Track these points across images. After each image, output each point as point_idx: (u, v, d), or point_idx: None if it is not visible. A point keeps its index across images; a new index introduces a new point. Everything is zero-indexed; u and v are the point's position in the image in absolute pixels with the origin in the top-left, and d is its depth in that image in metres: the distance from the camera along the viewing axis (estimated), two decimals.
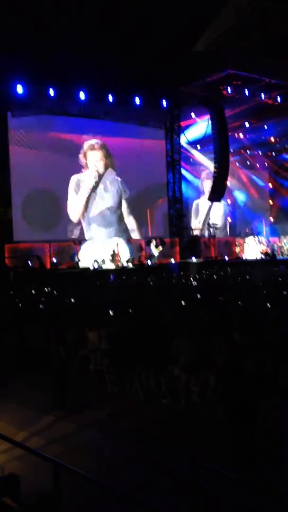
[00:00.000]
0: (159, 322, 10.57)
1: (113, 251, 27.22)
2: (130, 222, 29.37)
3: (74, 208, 27.69)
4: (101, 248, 27.20)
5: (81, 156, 27.86)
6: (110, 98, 26.27)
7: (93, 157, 28.20)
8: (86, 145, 27.97)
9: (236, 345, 7.47)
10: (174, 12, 22.27)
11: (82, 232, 27.83)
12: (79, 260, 26.16)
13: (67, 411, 8.80)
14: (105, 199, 28.63)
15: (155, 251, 28.36)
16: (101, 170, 28.43)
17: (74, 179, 27.74)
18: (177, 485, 5.93)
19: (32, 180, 26.06)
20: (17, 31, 20.79)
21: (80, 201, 27.86)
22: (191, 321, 10.44)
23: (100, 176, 28.42)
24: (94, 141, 28.21)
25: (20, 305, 14.61)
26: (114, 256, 27.04)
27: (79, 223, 27.86)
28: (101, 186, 28.50)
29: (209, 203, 32.34)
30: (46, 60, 22.15)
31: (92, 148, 28.12)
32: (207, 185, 33.68)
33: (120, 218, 29.07)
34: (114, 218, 28.82)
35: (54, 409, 8.92)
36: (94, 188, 28.22)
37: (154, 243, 28.44)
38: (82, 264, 25.87)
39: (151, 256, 28.24)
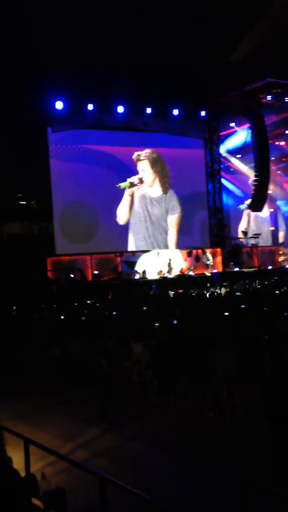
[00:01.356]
0: (202, 334, 10.44)
1: (169, 260, 27.44)
2: (172, 233, 29.33)
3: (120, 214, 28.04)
4: (148, 259, 27.40)
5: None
6: (149, 110, 26.42)
7: (140, 166, 28.47)
8: (135, 155, 28.36)
9: (282, 358, 7.28)
10: (212, 21, 22.24)
11: (125, 243, 28.02)
12: (143, 271, 26.56)
13: (112, 423, 8.76)
14: (152, 209, 28.75)
15: (211, 260, 28.51)
16: (148, 180, 28.56)
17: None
18: (224, 501, 5.79)
19: (72, 193, 26.49)
20: (54, 47, 21.18)
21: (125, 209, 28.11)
22: (233, 333, 10.27)
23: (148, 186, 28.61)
24: (143, 152, 28.51)
25: (63, 317, 14.77)
26: (170, 267, 27.23)
27: (123, 233, 28.07)
28: (148, 195, 28.67)
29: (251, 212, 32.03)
30: (84, 75, 22.50)
31: (138, 158, 28.35)
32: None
33: (165, 230, 29.08)
34: (159, 228, 28.90)
35: (99, 421, 8.90)
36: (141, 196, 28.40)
37: (209, 251, 28.82)
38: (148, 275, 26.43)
39: (208, 265, 28.46)
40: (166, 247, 28.82)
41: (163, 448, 7.72)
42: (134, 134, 28.53)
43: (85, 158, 27.20)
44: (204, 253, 28.86)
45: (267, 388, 7.07)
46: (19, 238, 24.98)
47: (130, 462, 7.31)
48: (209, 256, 28.88)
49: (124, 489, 4.63)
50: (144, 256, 27.51)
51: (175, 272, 27.38)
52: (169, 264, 27.38)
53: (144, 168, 28.55)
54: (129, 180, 28.09)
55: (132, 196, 28.21)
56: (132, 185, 28.06)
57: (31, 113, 23.03)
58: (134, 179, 28.20)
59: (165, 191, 29.05)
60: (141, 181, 28.36)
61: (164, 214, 29.13)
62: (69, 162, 26.78)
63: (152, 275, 26.60)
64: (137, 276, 26.06)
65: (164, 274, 26.90)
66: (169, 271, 27.13)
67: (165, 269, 27.14)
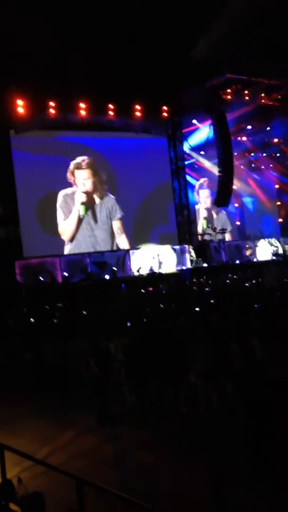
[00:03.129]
0: (173, 330, 10.53)
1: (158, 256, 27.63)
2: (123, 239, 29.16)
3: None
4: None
5: (68, 174, 27.53)
6: (111, 107, 26.36)
7: (80, 175, 27.82)
8: (72, 164, 27.55)
9: (253, 351, 7.42)
10: (171, 19, 22.39)
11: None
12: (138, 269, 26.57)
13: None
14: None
15: (194, 256, 28.93)
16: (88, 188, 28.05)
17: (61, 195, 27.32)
18: (201, 495, 5.87)
19: (37, 195, 26.34)
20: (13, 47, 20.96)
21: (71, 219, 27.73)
22: (205, 327, 10.38)
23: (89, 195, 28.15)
24: (80, 159, 27.82)
25: (34, 321, 14.64)
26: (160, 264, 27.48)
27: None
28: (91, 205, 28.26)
29: (215, 208, 32.40)
30: (44, 74, 22.28)
31: (79, 167, 27.85)
32: (203, 194, 34.46)
33: (112, 236, 28.83)
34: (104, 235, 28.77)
35: (75, 425, 8.89)
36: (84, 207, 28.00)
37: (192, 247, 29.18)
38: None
39: (192, 261, 28.71)
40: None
41: (139, 448, 7.77)
42: (98, 133, 28.49)
43: (49, 160, 27.00)
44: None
45: (238, 381, 7.19)
46: None
47: (106, 463, 7.33)
48: (192, 252, 29.17)
49: (100, 489, 4.66)
50: (137, 253, 27.54)
51: (167, 269, 27.61)
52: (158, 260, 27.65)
53: (85, 177, 27.99)
54: (82, 202, 27.66)
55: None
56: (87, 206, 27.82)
57: None
58: (82, 198, 27.76)
59: (101, 197, 28.77)
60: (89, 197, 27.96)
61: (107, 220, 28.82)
62: (33, 164, 26.54)
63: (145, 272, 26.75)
64: (136, 273, 26.31)
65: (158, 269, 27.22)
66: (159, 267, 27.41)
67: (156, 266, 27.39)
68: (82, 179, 27.76)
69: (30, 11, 20.46)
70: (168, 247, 28.61)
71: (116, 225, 28.97)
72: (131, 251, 27.52)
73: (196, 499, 5.97)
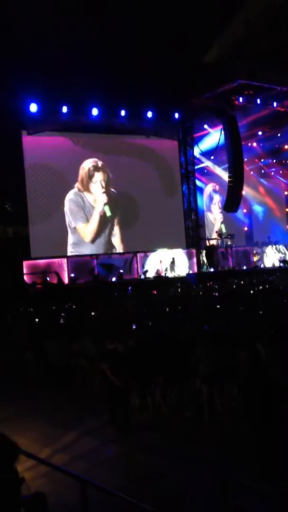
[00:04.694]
0: (179, 334, 10.52)
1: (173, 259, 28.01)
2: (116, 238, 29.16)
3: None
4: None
5: (84, 175, 27.76)
6: (123, 112, 26.44)
7: (99, 177, 28.12)
8: (90, 165, 27.84)
9: (259, 356, 7.39)
10: (184, 25, 22.42)
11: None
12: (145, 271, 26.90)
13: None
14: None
15: (205, 261, 29.13)
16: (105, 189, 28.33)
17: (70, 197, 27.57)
18: (206, 499, 5.85)
19: (47, 196, 26.45)
20: (27, 50, 21.05)
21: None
22: (210, 332, 10.37)
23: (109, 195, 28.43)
24: (93, 160, 28.01)
25: (39, 321, 14.68)
26: (173, 266, 27.74)
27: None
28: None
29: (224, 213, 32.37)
30: (57, 77, 22.39)
31: (96, 168, 28.02)
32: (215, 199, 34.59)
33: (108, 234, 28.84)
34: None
35: (77, 425, 8.87)
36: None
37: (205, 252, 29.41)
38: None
39: (202, 266, 29.00)
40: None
41: (142, 450, 7.75)
42: (109, 136, 28.59)
43: (60, 161, 27.11)
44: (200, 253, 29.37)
45: (244, 386, 7.16)
46: None
47: (109, 465, 7.31)
48: (204, 257, 29.29)
49: (103, 491, 4.65)
50: (150, 256, 27.84)
51: (179, 272, 27.73)
52: (172, 263, 27.86)
53: (102, 179, 28.23)
54: (105, 203, 27.98)
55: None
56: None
57: (4, 115, 22.80)
58: (105, 199, 28.00)
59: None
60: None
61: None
62: (44, 165, 26.65)
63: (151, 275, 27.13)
64: (142, 276, 26.53)
65: (165, 273, 27.54)
66: (171, 270, 27.66)
67: (167, 269, 27.74)
68: (99, 180, 28.05)
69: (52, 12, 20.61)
70: (180, 251, 28.75)
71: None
72: (144, 254, 27.68)
73: (200, 503, 5.95)
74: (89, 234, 27.86)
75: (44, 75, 21.97)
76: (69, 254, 26.90)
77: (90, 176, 27.91)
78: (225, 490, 4.38)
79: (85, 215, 27.73)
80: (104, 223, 28.28)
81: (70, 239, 27.51)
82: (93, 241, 27.91)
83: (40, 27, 21.00)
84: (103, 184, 28.13)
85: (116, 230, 28.81)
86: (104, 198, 28.03)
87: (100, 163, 28.15)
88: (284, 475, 6.21)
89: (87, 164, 27.87)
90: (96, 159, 28.12)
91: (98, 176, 28.10)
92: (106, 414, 8.85)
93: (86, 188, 27.86)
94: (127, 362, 8.62)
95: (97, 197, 27.95)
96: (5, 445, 4.53)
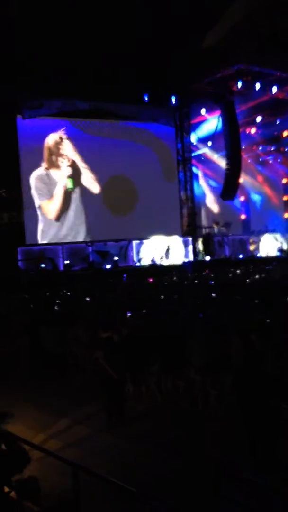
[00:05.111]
0: (174, 323, 10.44)
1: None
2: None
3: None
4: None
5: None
6: (119, 96, 26.15)
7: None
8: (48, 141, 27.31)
9: (253, 346, 7.31)
10: (182, 8, 22.11)
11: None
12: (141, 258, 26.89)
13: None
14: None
15: (201, 247, 29.13)
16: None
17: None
18: (198, 489, 5.80)
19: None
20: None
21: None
22: (205, 321, 10.29)
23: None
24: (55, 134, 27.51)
25: (34, 308, 14.60)
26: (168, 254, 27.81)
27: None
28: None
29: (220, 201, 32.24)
30: (53, 60, 22.11)
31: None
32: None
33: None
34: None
35: (71, 412, 8.82)
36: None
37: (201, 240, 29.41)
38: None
39: (197, 254, 28.94)
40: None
41: (135, 439, 7.70)
42: (105, 121, 28.37)
43: (55, 146, 26.90)
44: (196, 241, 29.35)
45: (237, 377, 7.09)
46: None
47: (101, 453, 7.27)
48: (200, 245, 29.24)
49: (95, 476, 4.61)
50: (145, 243, 27.75)
51: (174, 260, 27.71)
52: (167, 251, 27.78)
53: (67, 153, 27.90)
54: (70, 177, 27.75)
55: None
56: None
57: None
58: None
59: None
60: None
61: None
62: (39, 150, 26.43)
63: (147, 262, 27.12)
64: (138, 264, 26.58)
65: (160, 260, 27.49)
66: (166, 258, 27.67)
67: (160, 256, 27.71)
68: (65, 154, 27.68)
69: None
70: (176, 238, 28.68)
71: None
72: (138, 241, 27.58)
73: (192, 491, 5.90)
74: (53, 211, 27.46)
75: (39, 58, 21.72)
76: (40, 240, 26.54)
77: (55, 151, 27.49)
78: (218, 480, 4.32)
79: (49, 192, 27.31)
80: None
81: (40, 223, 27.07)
82: (57, 218, 27.45)
83: (37, 14, 20.72)
84: (69, 158, 27.73)
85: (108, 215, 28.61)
86: (68, 171, 27.63)
87: (64, 136, 27.68)
88: (276, 467, 6.16)
89: (51, 138, 27.38)
90: (60, 133, 27.60)
91: (63, 150, 27.69)
92: (99, 402, 8.78)
93: (52, 164, 27.43)
94: (121, 351, 8.51)
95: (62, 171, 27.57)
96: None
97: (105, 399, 8.43)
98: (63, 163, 27.40)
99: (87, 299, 15.84)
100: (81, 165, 27.88)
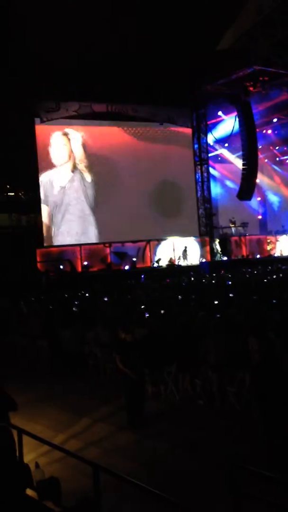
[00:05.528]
0: (192, 323, 10.51)
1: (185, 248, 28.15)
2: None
3: None
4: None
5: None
6: (136, 97, 26.26)
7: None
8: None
9: (272, 346, 7.35)
10: (199, 10, 22.15)
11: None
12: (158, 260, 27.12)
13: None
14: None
15: (218, 247, 29.22)
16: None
17: None
18: (215, 486, 5.87)
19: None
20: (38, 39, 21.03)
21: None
22: (222, 320, 10.34)
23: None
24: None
25: (53, 309, 14.77)
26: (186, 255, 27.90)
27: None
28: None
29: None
30: (68, 62, 22.27)
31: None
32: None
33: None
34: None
35: (90, 412, 8.94)
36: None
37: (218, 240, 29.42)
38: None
39: (215, 254, 29.05)
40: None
41: (154, 437, 7.79)
42: (122, 123, 28.48)
43: (74, 148, 27.10)
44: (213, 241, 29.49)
45: (255, 375, 7.14)
46: (7, 230, 24.87)
47: (121, 451, 7.36)
48: (218, 245, 29.27)
49: (116, 477, 4.68)
50: (163, 244, 27.96)
51: (192, 261, 27.77)
52: (185, 252, 27.94)
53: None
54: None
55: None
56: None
57: (18, 103, 22.83)
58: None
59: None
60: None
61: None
62: (59, 156, 26.64)
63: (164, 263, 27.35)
64: (155, 265, 26.61)
65: (178, 261, 27.68)
66: (184, 259, 27.86)
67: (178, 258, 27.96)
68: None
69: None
70: (191, 239, 28.72)
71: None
72: (156, 242, 27.72)
73: (209, 489, 5.98)
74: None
75: (56, 61, 21.91)
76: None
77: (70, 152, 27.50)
78: (234, 476, 4.38)
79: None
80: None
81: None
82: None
83: (54, 20, 20.94)
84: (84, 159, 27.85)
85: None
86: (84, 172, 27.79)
87: (81, 138, 27.68)
88: None
89: (66, 139, 27.36)
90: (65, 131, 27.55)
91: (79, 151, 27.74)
92: (119, 401, 8.89)
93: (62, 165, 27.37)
94: (138, 352, 8.58)
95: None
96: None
97: (125, 398, 8.53)
98: (79, 165, 27.57)
99: (106, 299, 15.98)
100: (97, 166, 28.04)
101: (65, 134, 27.14)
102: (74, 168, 27.26)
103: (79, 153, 27.53)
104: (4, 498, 4.32)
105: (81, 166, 27.54)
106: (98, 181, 27.89)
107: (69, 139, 27.28)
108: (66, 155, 27.13)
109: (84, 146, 27.59)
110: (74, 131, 27.36)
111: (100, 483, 4.70)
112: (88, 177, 27.65)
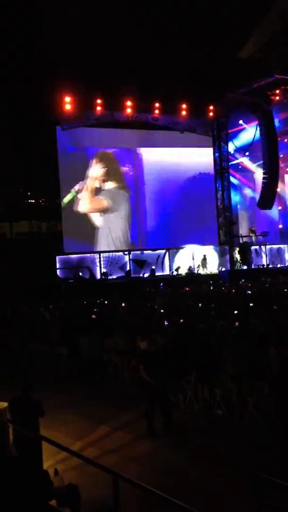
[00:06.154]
0: (211, 332, 10.43)
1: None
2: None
3: None
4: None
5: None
6: (157, 106, 26.35)
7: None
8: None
9: None
10: (219, 20, 22.22)
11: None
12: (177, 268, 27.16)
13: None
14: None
15: (238, 256, 29.05)
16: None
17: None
18: (239, 498, 5.79)
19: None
20: (61, 46, 21.23)
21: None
22: (241, 330, 10.25)
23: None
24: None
25: (72, 316, 14.80)
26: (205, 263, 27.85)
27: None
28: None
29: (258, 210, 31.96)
30: (91, 72, 22.47)
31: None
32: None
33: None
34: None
35: (109, 420, 8.90)
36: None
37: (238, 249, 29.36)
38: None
39: (235, 263, 28.92)
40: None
41: (173, 446, 7.72)
42: (143, 131, 28.57)
43: (94, 156, 27.29)
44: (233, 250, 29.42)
45: (274, 386, 7.05)
46: (28, 237, 25.09)
47: (139, 459, 7.31)
48: (237, 254, 29.12)
49: (136, 485, 4.63)
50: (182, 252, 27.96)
51: (211, 269, 27.78)
52: (204, 260, 27.96)
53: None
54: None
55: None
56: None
57: (39, 111, 23.06)
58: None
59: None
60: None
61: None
62: (78, 160, 26.84)
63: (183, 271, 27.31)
64: (174, 273, 26.72)
65: (197, 270, 27.69)
66: (203, 267, 27.81)
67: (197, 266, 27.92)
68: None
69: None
70: (210, 248, 28.61)
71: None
72: (175, 250, 27.69)
73: (232, 500, 5.89)
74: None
75: (78, 70, 22.11)
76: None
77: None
78: (259, 488, 4.31)
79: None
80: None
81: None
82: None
83: (74, 25, 21.15)
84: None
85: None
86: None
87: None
88: None
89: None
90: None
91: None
92: (139, 409, 8.83)
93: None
94: (160, 361, 8.53)
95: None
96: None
97: (145, 407, 8.47)
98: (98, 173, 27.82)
99: (124, 307, 15.97)
100: (112, 175, 28.25)
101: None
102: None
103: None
104: (29, 509, 4.30)
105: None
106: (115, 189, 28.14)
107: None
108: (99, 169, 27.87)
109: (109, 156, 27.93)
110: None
111: (120, 491, 4.66)
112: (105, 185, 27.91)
